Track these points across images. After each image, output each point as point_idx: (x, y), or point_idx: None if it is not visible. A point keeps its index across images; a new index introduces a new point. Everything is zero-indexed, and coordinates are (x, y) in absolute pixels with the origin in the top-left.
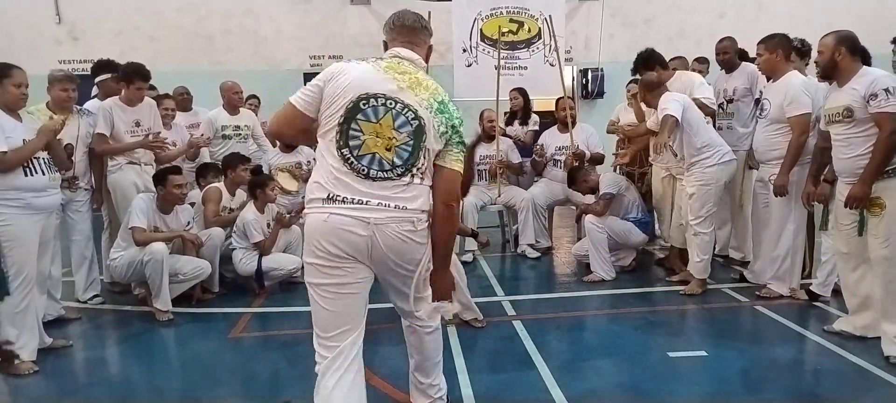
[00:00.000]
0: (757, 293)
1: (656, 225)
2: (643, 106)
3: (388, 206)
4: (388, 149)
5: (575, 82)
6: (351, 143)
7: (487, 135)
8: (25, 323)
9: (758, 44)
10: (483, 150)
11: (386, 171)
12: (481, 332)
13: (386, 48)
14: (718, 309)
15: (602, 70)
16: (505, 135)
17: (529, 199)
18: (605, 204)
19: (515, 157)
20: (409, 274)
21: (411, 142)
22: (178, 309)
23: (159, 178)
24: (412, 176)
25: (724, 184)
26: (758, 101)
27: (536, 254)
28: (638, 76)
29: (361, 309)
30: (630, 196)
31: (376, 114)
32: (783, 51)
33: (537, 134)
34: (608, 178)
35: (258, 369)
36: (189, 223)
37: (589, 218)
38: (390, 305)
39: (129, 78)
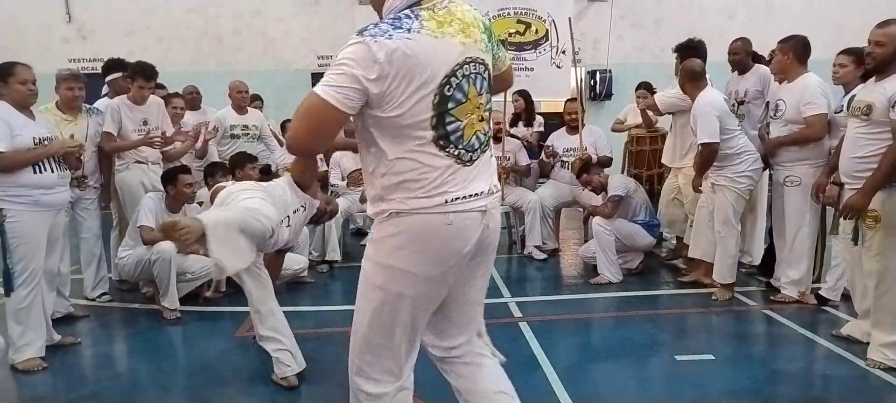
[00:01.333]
0: (771, 297)
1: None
2: (676, 94)
3: (490, 189)
4: (482, 119)
5: (583, 84)
6: (452, 134)
7: (494, 137)
8: (31, 319)
9: (778, 44)
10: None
11: (484, 142)
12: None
13: None
14: (726, 313)
15: (610, 71)
16: (511, 135)
17: (536, 201)
18: (613, 205)
19: (524, 158)
20: (489, 270)
21: (489, 94)
22: (185, 308)
23: (169, 178)
24: (490, 143)
25: (751, 190)
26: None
27: (543, 256)
28: (653, 84)
29: None
30: (638, 198)
31: (463, 89)
32: (795, 53)
33: (542, 135)
34: (617, 180)
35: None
36: None
37: (596, 220)
38: None
39: (133, 77)
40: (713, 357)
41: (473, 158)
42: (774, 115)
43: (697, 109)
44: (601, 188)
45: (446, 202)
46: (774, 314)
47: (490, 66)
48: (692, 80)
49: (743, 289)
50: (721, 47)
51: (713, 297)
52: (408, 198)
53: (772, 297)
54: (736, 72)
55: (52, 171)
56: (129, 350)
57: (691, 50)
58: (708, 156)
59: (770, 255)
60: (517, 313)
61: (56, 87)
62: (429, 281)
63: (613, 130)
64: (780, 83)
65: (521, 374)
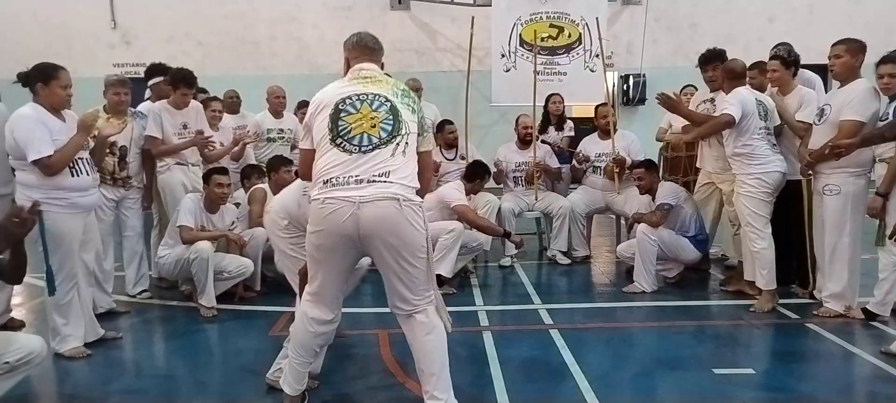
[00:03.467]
0: (813, 311)
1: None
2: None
3: (380, 177)
4: (374, 126)
5: (615, 88)
6: (341, 132)
7: (522, 141)
8: (71, 313)
9: (834, 45)
10: (518, 157)
11: (375, 144)
12: (517, 340)
13: (347, 65)
14: (767, 326)
15: (644, 76)
16: (542, 142)
17: (567, 206)
18: (662, 215)
19: (553, 163)
20: (406, 259)
21: (391, 117)
22: (221, 306)
23: (205, 178)
24: (397, 145)
25: (767, 193)
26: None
27: (567, 261)
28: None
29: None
30: (689, 209)
31: (355, 107)
32: (861, 57)
33: (573, 140)
34: (667, 188)
35: None
36: (234, 223)
37: (642, 227)
38: None
39: (175, 83)
40: (753, 372)
41: (362, 150)
42: (819, 120)
43: (730, 96)
44: (650, 190)
45: (324, 183)
46: (818, 328)
47: (395, 104)
48: (733, 80)
49: (785, 302)
50: (761, 52)
51: (751, 308)
52: (314, 188)
53: (814, 311)
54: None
55: (87, 174)
56: (166, 345)
57: (715, 58)
58: (716, 126)
59: (805, 264)
60: (548, 320)
61: (104, 92)
62: (320, 249)
63: (659, 140)
64: (839, 86)
65: (552, 382)
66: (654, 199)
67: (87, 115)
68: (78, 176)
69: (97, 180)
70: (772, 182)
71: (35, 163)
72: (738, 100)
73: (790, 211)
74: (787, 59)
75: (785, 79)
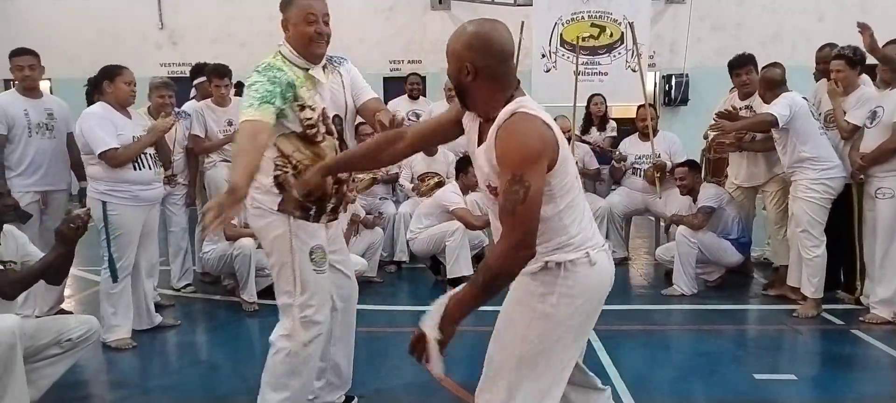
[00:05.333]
0: (860, 318)
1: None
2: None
3: None
4: None
5: (657, 88)
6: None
7: None
8: (120, 303)
9: (886, 45)
10: None
11: None
12: None
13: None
14: (811, 331)
15: (687, 76)
16: (582, 141)
17: (606, 207)
18: (704, 217)
19: (592, 165)
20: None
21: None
22: (263, 301)
23: None
24: None
25: (829, 200)
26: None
27: None
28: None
29: None
30: (731, 211)
31: None
32: None
33: (615, 140)
34: (710, 190)
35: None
36: None
37: (682, 229)
38: None
39: (209, 77)
40: (795, 378)
41: None
42: (871, 123)
43: (779, 99)
44: (692, 190)
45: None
46: (864, 334)
47: None
48: (772, 89)
49: (830, 307)
50: (808, 52)
51: (794, 313)
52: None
53: (860, 317)
54: (824, 80)
55: (149, 168)
56: (209, 338)
57: (746, 63)
58: (760, 124)
59: (853, 270)
60: None
61: (149, 94)
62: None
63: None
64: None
65: None
66: (695, 201)
67: (160, 123)
68: (141, 169)
69: (160, 175)
70: (836, 187)
71: (101, 155)
72: (786, 103)
73: (837, 216)
74: (853, 58)
75: (850, 79)
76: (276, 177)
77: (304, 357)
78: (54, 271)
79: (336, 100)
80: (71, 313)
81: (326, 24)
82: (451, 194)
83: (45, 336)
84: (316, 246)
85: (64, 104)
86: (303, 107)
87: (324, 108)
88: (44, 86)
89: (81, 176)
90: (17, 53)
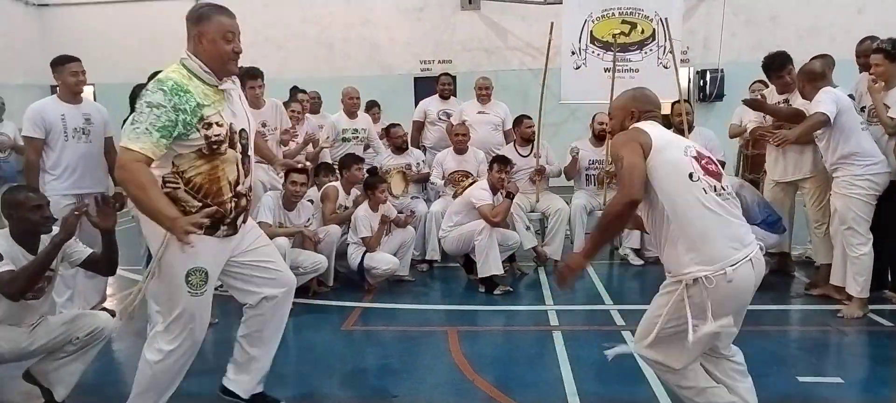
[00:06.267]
0: None
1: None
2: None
3: None
4: None
5: (691, 84)
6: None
7: (597, 138)
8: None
9: None
10: (593, 155)
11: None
12: (587, 341)
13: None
14: (858, 333)
15: (722, 71)
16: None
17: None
18: None
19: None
20: None
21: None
22: (296, 300)
23: (285, 176)
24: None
25: (874, 196)
26: None
27: (639, 261)
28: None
29: None
30: (747, 195)
31: None
32: None
33: None
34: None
35: (368, 362)
36: (309, 220)
37: None
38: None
39: (242, 79)
40: (841, 381)
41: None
42: None
43: (820, 95)
44: None
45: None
46: None
47: None
48: (812, 82)
49: (877, 308)
50: (848, 45)
51: (838, 314)
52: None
53: None
54: (866, 73)
55: None
56: None
57: (784, 63)
58: (813, 126)
59: None
60: (620, 321)
61: None
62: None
63: (732, 137)
64: None
65: (625, 384)
66: None
67: None
68: None
69: None
70: (881, 183)
71: None
72: (830, 99)
73: (883, 213)
74: (893, 52)
75: (891, 73)
76: (166, 194)
77: (156, 372)
78: (105, 261)
79: (239, 114)
80: (112, 312)
81: (239, 41)
82: (479, 191)
83: (59, 334)
84: (194, 269)
85: (103, 109)
86: (209, 125)
87: (231, 123)
88: (87, 91)
89: None
90: (68, 60)
